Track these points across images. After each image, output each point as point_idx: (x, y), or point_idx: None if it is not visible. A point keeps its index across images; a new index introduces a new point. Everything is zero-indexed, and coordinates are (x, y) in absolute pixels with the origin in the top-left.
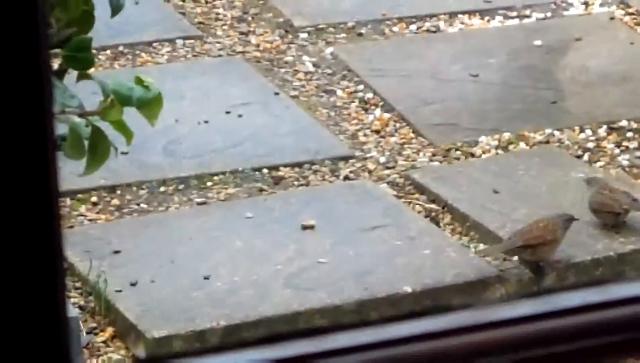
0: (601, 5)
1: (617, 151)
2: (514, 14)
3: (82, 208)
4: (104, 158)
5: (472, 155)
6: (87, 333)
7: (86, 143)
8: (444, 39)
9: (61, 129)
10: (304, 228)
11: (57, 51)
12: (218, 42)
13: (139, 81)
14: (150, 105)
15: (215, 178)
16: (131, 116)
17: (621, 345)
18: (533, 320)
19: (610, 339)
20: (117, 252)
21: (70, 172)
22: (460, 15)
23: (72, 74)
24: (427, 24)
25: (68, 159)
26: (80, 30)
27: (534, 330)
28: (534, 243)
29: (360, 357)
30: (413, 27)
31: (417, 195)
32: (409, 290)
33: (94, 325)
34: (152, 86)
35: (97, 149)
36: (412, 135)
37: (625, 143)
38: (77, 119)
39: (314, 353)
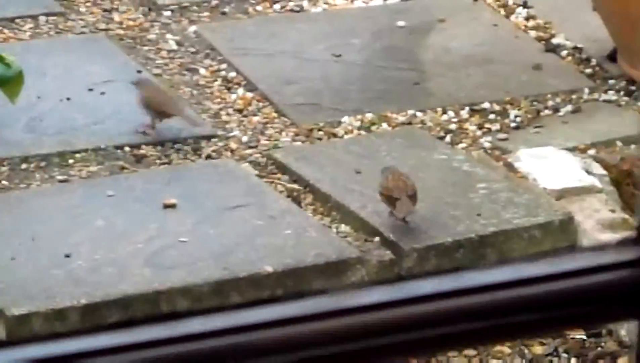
0: None
1: (479, 132)
2: None
3: None
4: None
5: (335, 135)
6: None
7: None
8: (308, 19)
9: None
10: (166, 206)
11: None
12: (81, 19)
13: (0, 59)
14: (11, 83)
15: (77, 155)
16: None
17: (473, 333)
18: (386, 307)
19: (464, 327)
20: None
21: None
22: None
23: None
24: (291, 4)
25: None
26: None
27: (388, 317)
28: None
29: (133, 356)
30: (277, 6)
31: (279, 175)
32: (270, 270)
33: None
34: (14, 64)
35: None
36: (274, 115)
37: (487, 125)
38: None
39: (81, 353)
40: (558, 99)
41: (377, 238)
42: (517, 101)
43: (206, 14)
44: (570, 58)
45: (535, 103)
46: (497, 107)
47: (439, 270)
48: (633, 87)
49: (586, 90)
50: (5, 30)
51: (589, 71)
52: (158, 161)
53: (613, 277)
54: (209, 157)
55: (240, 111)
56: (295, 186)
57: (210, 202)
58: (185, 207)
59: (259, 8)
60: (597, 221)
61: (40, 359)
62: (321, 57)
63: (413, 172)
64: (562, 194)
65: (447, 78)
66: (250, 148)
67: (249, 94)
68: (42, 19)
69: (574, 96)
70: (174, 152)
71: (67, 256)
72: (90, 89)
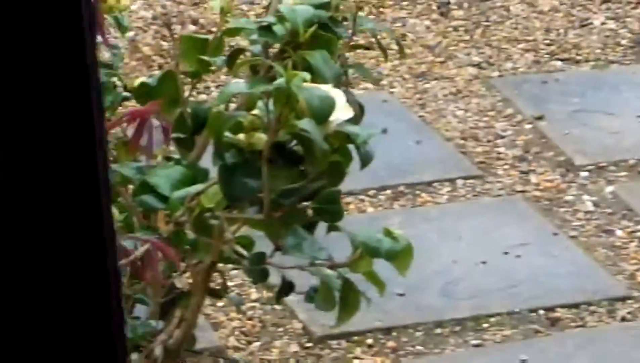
0: None
1: None
2: None
3: (357, 351)
4: (355, 309)
5: None
6: None
7: (337, 294)
8: None
9: (312, 280)
10: None
11: (307, 203)
12: (498, 182)
13: (388, 233)
14: (399, 256)
15: (492, 319)
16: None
17: None
18: None
19: None
20: None
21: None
22: None
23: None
24: None
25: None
26: (329, 182)
27: None
28: None
29: None
30: None
31: None
32: None
33: None
34: (401, 238)
35: (347, 301)
36: None
37: None
38: (327, 271)
39: None
40: None
41: None
42: None
43: (623, 173)
44: None
45: None
46: None
47: None
48: None
49: None
50: (423, 194)
51: None
52: (572, 324)
53: None
54: (623, 319)
55: None
56: None
57: None
58: None
59: None
60: None
61: None
62: None
63: None
64: None
65: None
66: None
67: None
68: (460, 182)
69: None
70: (588, 314)
71: None
72: (506, 252)
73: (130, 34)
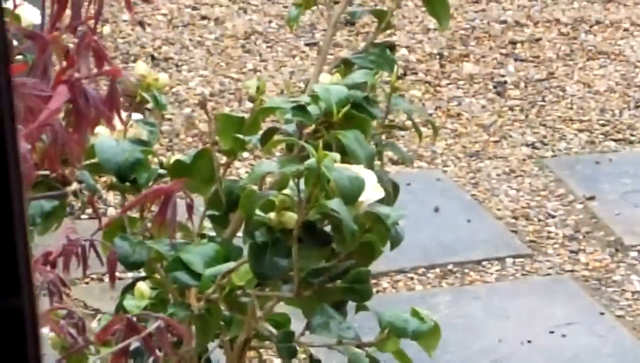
0: None
1: None
2: None
3: None
4: None
5: None
6: None
7: None
8: None
9: (340, 359)
10: None
11: (337, 283)
12: (548, 261)
13: (415, 313)
14: (426, 337)
15: None
16: (453, 333)
17: None
18: None
19: None
20: None
21: None
22: None
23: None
24: None
25: None
26: (359, 262)
27: None
28: None
29: None
30: None
31: None
32: None
33: None
34: (428, 318)
35: None
36: None
37: None
38: (355, 350)
39: None
40: None
41: None
42: None
43: None
44: None
45: None
46: None
47: None
48: None
49: None
50: (472, 273)
51: None
52: None
53: None
54: None
55: None
56: None
57: None
58: None
59: None
60: None
61: None
62: None
63: None
64: None
65: None
66: None
67: None
68: (509, 261)
69: None
70: None
71: None
72: (552, 332)
73: (187, 110)
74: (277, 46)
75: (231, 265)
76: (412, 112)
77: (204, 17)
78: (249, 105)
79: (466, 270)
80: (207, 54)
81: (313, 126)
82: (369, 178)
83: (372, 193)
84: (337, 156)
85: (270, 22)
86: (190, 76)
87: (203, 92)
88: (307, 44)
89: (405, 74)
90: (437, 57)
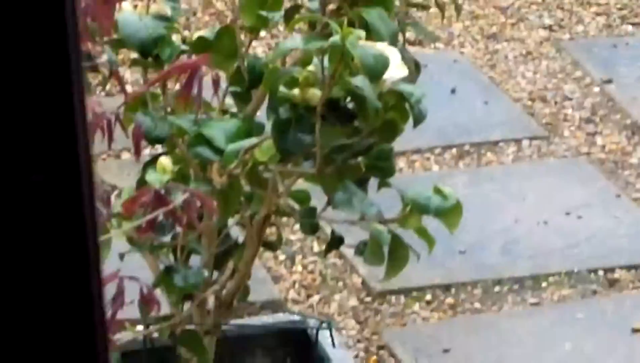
0: None
1: None
2: None
3: (416, 306)
4: (403, 264)
5: None
6: None
7: (386, 248)
8: None
9: (362, 235)
10: (635, 331)
11: (359, 159)
12: (564, 143)
13: (437, 191)
14: (448, 214)
15: (550, 278)
16: (470, 213)
17: None
18: None
19: None
20: (446, 351)
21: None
22: None
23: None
24: None
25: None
26: (382, 139)
27: None
28: None
29: None
30: None
31: None
32: None
33: None
34: (451, 196)
35: (396, 255)
36: None
37: None
38: (377, 226)
39: None
40: None
41: None
42: None
43: None
44: None
45: None
46: None
47: None
48: None
49: None
50: (489, 154)
51: None
52: (631, 285)
53: None
54: None
55: None
56: None
57: None
58: None
59: None
60: None
61: None
62: None
63: None
64: None
65: None
66: None
67: None
68: (525, 142)
69: None
70: None
71: None
72: (568, 213)
73: None
74: None
75: (254, 140)
76: None
77: None
78: None
79: (483, 151)
80: None
81: (336, 4)
82: (393, 55)
83: (395, 70)
84: (362, 32)
85: None
86: None
87: None
88: None
89: None
90: None
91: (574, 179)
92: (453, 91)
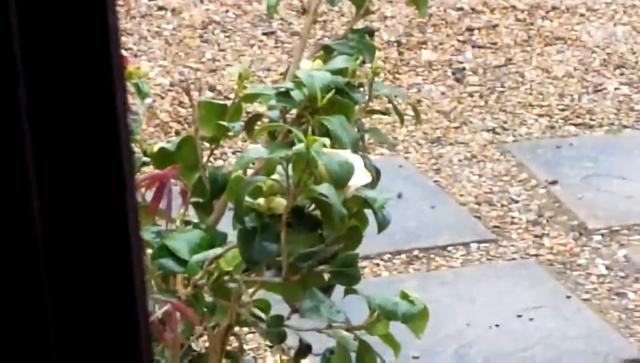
0: None
1: None
2: None
3: None
4: None
5: None
6: None
7: (353, 355)
8: None
9: (329, 343)
10: None
11: (325, 267)
12: (512, 246)
13: (404, 296)
14: (415, 319)
15: None
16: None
17: None
18: None
19: None
20: None
21: None
22: None
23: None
24: None
25: None
26: (347, 246)
27: None
28: None
29: None
30: None
31: None
32: None
33: None
34: (417, 301)
35: (364, 362)
36: None
37: None
38: (344, 333)
39: None
40: None
41: None
42: None
43: (636, 237)
44: None
45: None
46: None
47: None
48: None
49: None
50: (437, 258)
51: None
52: None
53: None
54: None
55: None
56: None
57: None
58: None
59: None
60: None
61: None
62: None
63: None
64: None
65: None
66: None
67: None
68: (474, 246)
69: None
70: None
71: None
72: (519, 315)
73: (148, 100)
74: (234, 35)
75: (218, 250)
76: (393, 97)
77: (161, 8)
78: (210, 94)
79: (432, 256)
80: (166, 44)
81: (296, 113)
82: (357, 162)
83: (360, 177)
84: (327, 140)
85: (227, 11)
86: (149, 66)
87: (187, 80)
88: (264, 33)
89: (364, 62)
90: (395, 44)
91: (523, 281)
92: (400, 196)
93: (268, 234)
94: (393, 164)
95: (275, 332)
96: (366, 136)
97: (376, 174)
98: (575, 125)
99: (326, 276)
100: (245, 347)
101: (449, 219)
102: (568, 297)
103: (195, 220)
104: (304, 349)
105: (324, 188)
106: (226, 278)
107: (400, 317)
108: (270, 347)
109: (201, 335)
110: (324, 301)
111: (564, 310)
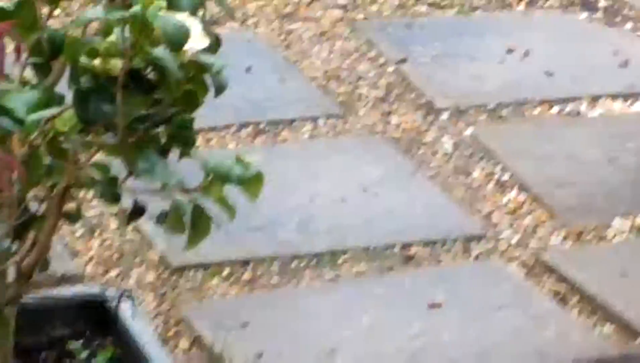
0: None
1: None
2: None
3: (214, 281)
4: (205, 233)
5: (604, 238)
6: None
7: (188, 218)
8: (584, 123)
9: (164, 205)
10: (431, 306)
11: (160, 129)
12: (359, 122)
13: (239, 160)
14: (249, 183)
15: (348, 254)
16: (266, 190)
17: None
18: None
19: None
20: (244, 325)
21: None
22: (601, 99)
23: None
24: (568, 108)
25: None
26: (183, 110)
27: None
28: None
29: None
30: (554, 110)
31: (546, 277)
32: None
33: None
34: (252, 165)
35: (198, 225)
36: (545, 217)
37: None
38: (179, 196)
39: None
40: None
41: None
42: None
43: (483, 117)
44: None
45: None
46: None
47: None
48: None
49: None
50: (285, 132)
51: None
52: (426, 262)
53: None
54: (477, 258)
55: (511, 212)
56: (562, 287)
57: (476, 302)
58: (450, 307)
59: (536, 112)
60: None
61: None
62: (595, 160)
63: None
64: None
65: None
66: (519, 249)
67: (522, 196)
68: (321, 121)
69: None
70: (443, 252)
71: (332, 351)
72: (364, 190)
73: None
74: None
75: (55, 110)
76: None
77: None
78: None
79: (279, 129)
80: None
81: None
82: (194, 26)
83: (196, 41)
84: (163, 3)
85: None
86: None
87: None
88: None
89: None
90: None
91: (370, 157)
92: (248, 70)
93: (103, 95)
94: (242, 39)
95: (110, 193)
96: (217, 10)
97: (217, 41)
98: (427, 4)
99: (163, 140)
100: (90, 213)
101: (297, 94)
102: (413, 173)
103: (35, 82)
104: (138, 210)
105: (160, 51)
106: (62, 138)
107: (234, 180)
108: (116, 214)
109: (43, 200)
110: (159, 163)
111: (409, 185)
